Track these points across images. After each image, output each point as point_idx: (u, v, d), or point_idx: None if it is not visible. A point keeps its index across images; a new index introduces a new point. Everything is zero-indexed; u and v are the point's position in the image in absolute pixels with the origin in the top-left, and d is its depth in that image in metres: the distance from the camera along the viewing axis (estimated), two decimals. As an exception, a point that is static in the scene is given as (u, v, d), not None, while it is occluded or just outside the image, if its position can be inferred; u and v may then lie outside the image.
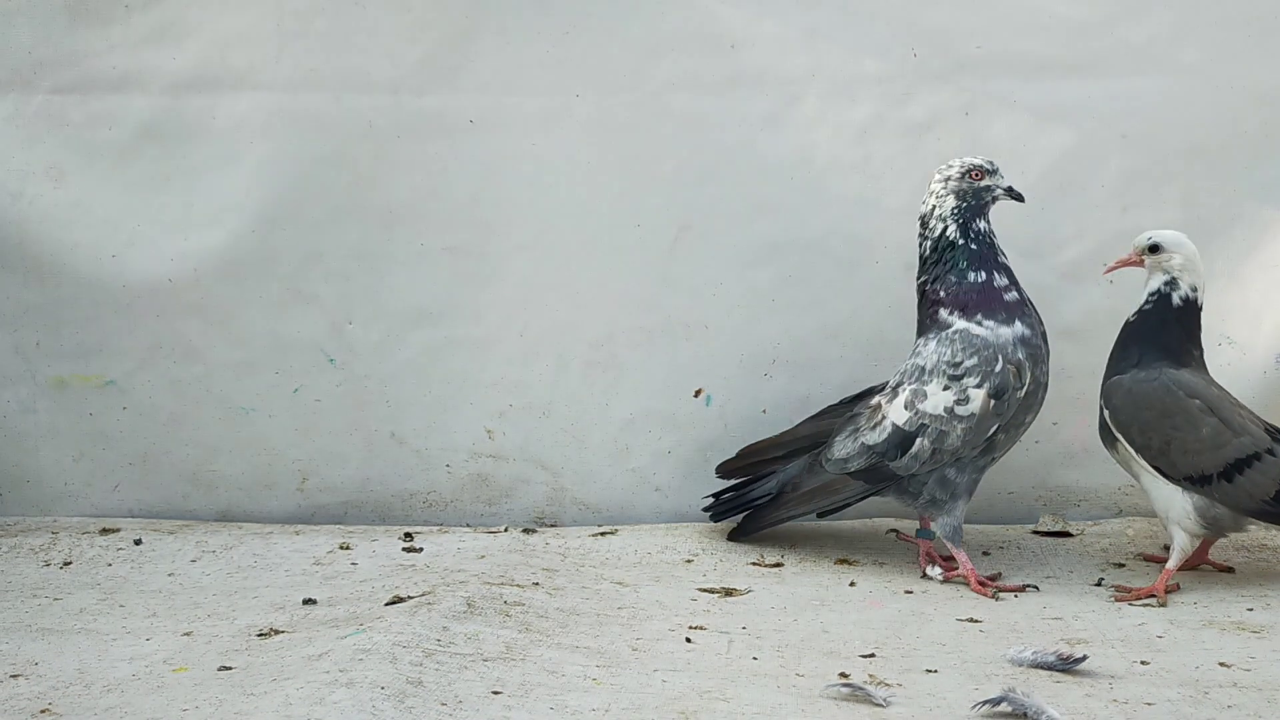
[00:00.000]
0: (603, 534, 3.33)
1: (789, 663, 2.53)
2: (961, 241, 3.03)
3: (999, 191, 3.04)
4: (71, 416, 3.42)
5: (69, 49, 3.34)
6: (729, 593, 2.95)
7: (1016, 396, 2.96)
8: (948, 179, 3.04)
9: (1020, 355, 2.97)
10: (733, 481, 3.30)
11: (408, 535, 3.32)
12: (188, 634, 2.67)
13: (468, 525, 3.43)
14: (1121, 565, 3.15)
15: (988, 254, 3.03)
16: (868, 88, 3.34)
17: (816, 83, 3.34)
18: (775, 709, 2.30)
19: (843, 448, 3.10)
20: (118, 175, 3.36)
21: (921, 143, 3.34)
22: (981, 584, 2.97)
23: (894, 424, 3.03)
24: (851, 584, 3.02)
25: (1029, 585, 2.98)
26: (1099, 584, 3.02)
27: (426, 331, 3.40)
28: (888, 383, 3.10)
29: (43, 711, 2.30)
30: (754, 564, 3.15)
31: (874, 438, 3.06)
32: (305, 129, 3.34)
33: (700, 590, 2.96)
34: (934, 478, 3.03)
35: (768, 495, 3.23)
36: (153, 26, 3.34)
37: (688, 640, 2.64)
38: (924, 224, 3.06)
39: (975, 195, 3.03)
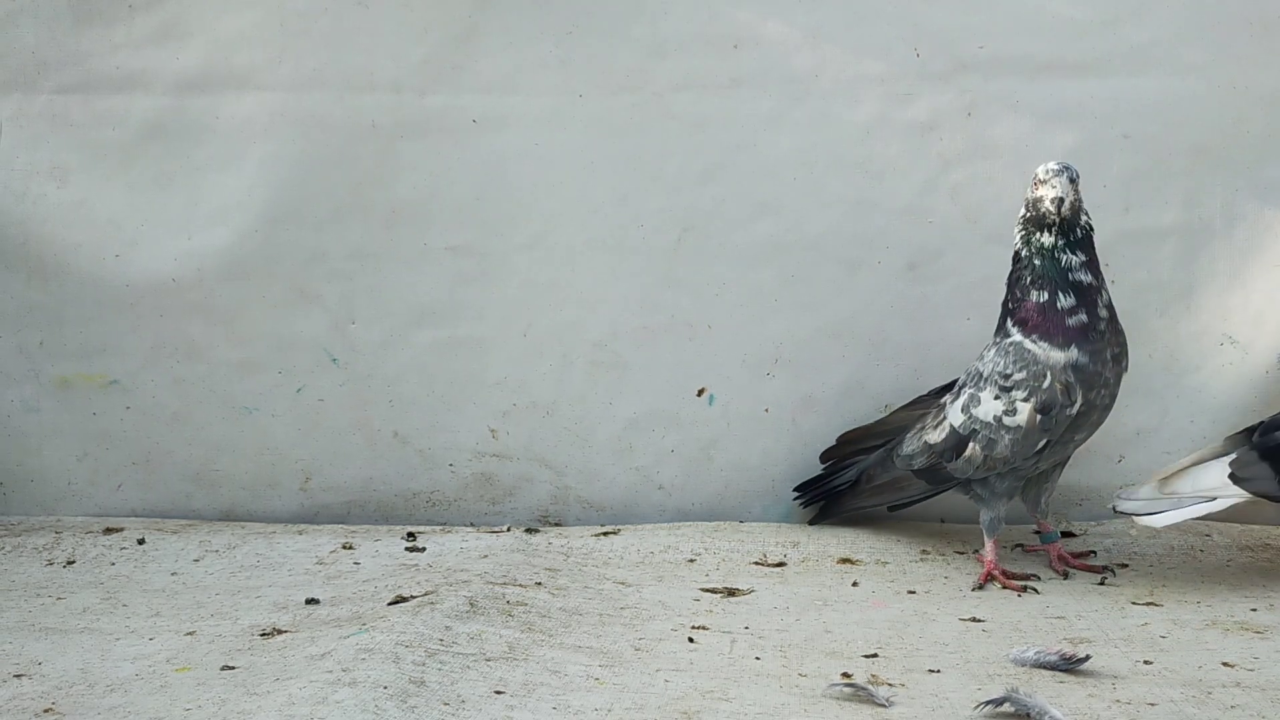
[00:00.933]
0: (605, 534, 3.33)
1: (792, 663, 2.53)
2: (1025, 255, 2.95)
3: (1046, 203, 2.89)
4: (75, 416, 3.42)
5: (73, 49, 3.35)
6: (731, 593, 2.95)
7: (1066, 414, 2.91)
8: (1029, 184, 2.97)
9: (1070, 377, 2.90)
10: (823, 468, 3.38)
11: (411, 535, 3.32)
12: (190, 633, 2.68)
13: (471, 525, 3.43)
14: (1125, 565, 3.14)
15: (1051, 272, 2.92)
16: (870, 88, 3.34)
17: (819, 83, 3.34)
18: (778, 709, 2.30)
19: (910, 444, 3.13)
20: (121, 175, 3.37)
21: (924, 143, 3.34)
22: (992, 575, 2.99)
23: (951, 425, 3.04)
24: (854, 584, 3.02)
25: (1030, 586, 2.98)
26: (1102, 583, 3.02)
27: (430, 331, 3.41)
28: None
29: (46, 711, 2.30)
30: (756, 564, 3.15)
31: (935, 437, 3.07)
32: (308, 129, 3.35)
33: (703, 590, 2.97)
34: (978, 480, 3.04)
35: (847, 484, 3.29)
36: (156, 27, 3.34)
37: (690, 640, 2.64)
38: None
39: (1033, 206, 2.94)
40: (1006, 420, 2.95)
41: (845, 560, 3.17)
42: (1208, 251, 3.34)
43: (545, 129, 3.35)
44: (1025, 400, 2.93)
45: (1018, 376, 2.94)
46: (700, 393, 3.42)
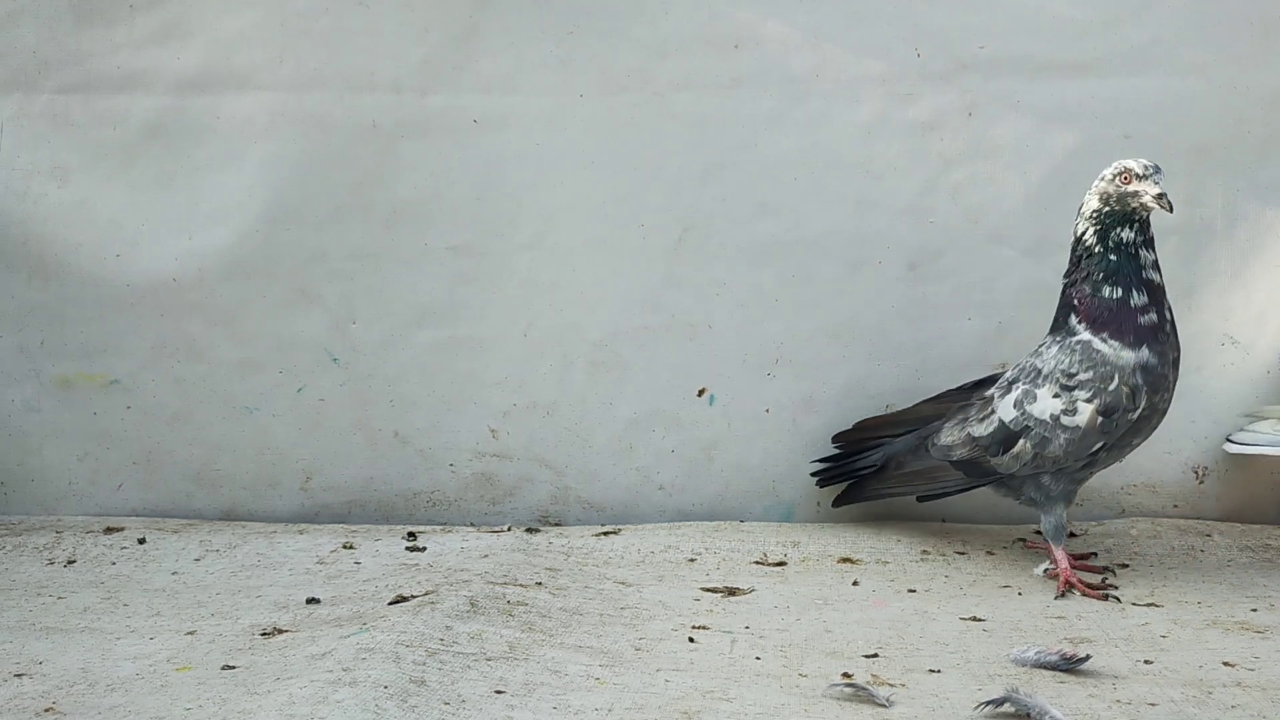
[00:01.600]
0: (606, 533, 3.34)
1: (792, 663, 2.53)
2: (1099, 250, 2.89)
3: (1147, 198, 2.81)
4: (76, 415, 3.42)
5: (74, 49, 3.35)
6: (732, 592, 2.95)
7: (1128, 418, 2.87)
8: (1101, 178, 2.89)
9: (1138, 380, 2.86)
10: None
11: (411, 534, 3.32)
12: (191, 633, 2.68)
13: (471, 524, 3.43)
14: (1125, 565, 3.14)
15: (1128, 268, 2.87)
16: (871, 88, 3.34)
17: (820, 83, 3.34)
18: (778, 709, 2.30)
19: (949, 435, 3.10)
20: (122, 175, 3.37)
21: (925, 143, 3.34)
22: (1070, 584, 2.93)
23: (1001, 420, 3.00)
24: (854, 583, 3.02)
25: (1111, 595, 2.92)
26: (1103, 583, 3.02)
27: (430, 331, 3.41)
28: (1004, 374, 3.08)
29: (47, 710, 2.30)
30: (757, 563, 3.15)
31: (980, 430, 3.04)
32: (309, 128, 3.35)
33: (703, 590, 2.97)
34: (1030, 481, 3.01)
35: (872, 467, 3.27)
36: (157, 26, 3.34)
37: (691, 640, 2.64)
38: (1075, 221, 2.95)
39: (1120, 200, 2.86)
40: (1065, 420, 2.91)
41: (846, 560, 3.17)
42: (1209, 251, 3.34)
43: (545, 129, 3.36)
44: (1088, 401, 2.88)
45: (1083, 376, 2.89)
46: (701, 393, 3.42)
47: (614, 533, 3.34)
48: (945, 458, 3.10)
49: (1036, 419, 2.95)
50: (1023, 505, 3.08)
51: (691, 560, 3.18)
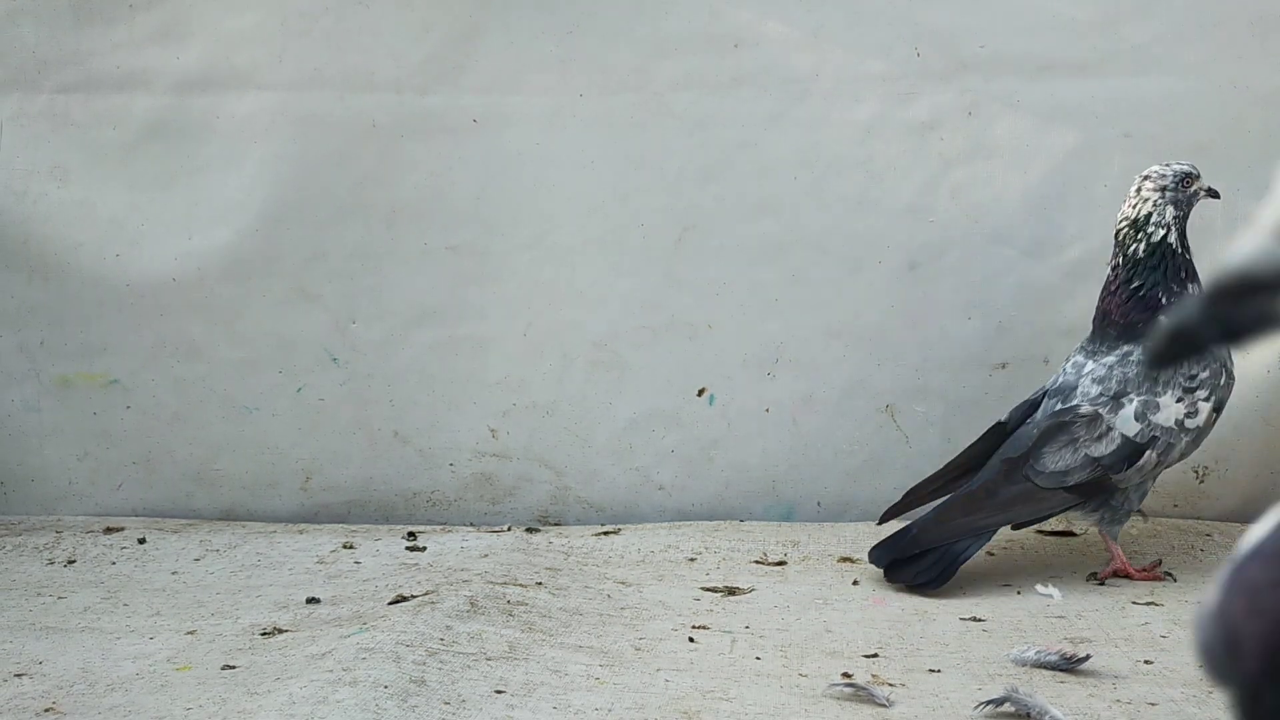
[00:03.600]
0: (606, 533, 3.34)
1: (792, 662, 2.53)
2: (1179, 250, 2.99)
3: (1202, 192, 3.01)
4: (75, 415, 3.42)
5: (73, 48, 3.35)
6: (732, 592, 2.95)
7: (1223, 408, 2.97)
8: (1164, 189, 2.97)
9: (1231, 365, 2.97)
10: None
11: (411, 534, 3.32)
12: (191, 633, 2.68)
13: (471, 524, 3.43)
14: (1124, 565, 3.15)
15: (1192, 267, 3.00)
16: (871, 87, 3.34)
17: (820, 82, 3.34)
18: (778, 709, 2.30)
19: (1058, 459, 2.95)
20: (122, 174, 3.37)
21: (925, 142, 3.34)
22: (1143, 570, 3.03)
23: (1124, 435, 2.95)
24: (854, 583, 3.02)
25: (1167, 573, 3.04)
26: (1102, 583, 3.02)
27: (430, 330, 3.41)
28: (1073, 396, 2.97)
29: (47, 710, 2.30)
30: (757, 563, 3.15)
31: (1100, 449, 2.94)
32: (309, 128, 3.35)
33: (703, 590, 2.97)
34: (1136, 490, 3.00)
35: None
36: (157, 26, 3.34)
37: (691, 640, 2.64)
38: (1137, 227, 2.97)
39: (1188, 203, 3.00)
40: (1188, 423, 2.94)
41: (846, 559, 3.17)
42: (1208, 251, 3.33)
43: (546, 129, 3.36)
44: (1206, 400, 2.95)
45: (1202, 375, 2.94)
46: (700, 393, 3.42)
47: (614, 533, 3.34)
48: (1060, 483, 2.94)
49: (1163, 427, 2.95)
50: (1090, 511, 3.01)
51: (691, 560, 3.18)
